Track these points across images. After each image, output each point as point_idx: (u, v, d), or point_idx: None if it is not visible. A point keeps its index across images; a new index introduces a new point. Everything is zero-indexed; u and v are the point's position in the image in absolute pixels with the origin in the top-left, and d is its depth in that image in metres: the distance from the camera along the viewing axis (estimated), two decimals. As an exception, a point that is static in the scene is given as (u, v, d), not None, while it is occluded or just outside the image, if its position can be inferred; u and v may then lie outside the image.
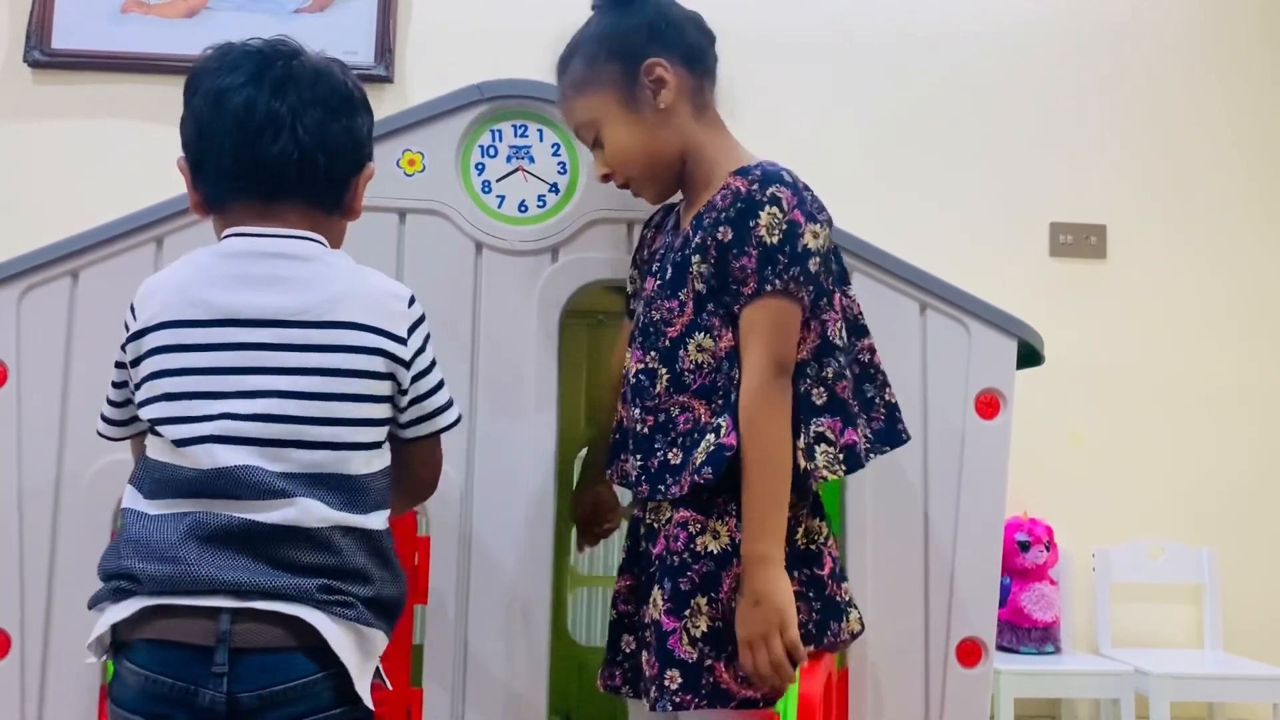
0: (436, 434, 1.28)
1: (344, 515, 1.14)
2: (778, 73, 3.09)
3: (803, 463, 1.29)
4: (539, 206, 1.62)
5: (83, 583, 1.44)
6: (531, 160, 1.62)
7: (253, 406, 1.13)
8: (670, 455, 1.32)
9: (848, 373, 1.36)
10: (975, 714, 1.59)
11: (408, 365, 1.21)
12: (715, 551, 1.29)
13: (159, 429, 1.15)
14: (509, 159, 1.62)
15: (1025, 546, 2.83)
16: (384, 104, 2.80)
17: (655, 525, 1.35)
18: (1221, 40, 3.25)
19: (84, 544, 1.50)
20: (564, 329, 1.62)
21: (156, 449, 1.16)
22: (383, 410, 1.20)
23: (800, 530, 1.32)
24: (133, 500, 1.15)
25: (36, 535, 1.52)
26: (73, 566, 1.51)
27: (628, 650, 1.41)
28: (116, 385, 1.25)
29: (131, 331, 1.19)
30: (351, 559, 1.14)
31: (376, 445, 1.20)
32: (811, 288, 1.31)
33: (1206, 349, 3.16)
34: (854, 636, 1.36)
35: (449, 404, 1.28)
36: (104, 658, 1.14)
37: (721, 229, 1.31)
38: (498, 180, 1.62)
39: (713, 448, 1.28)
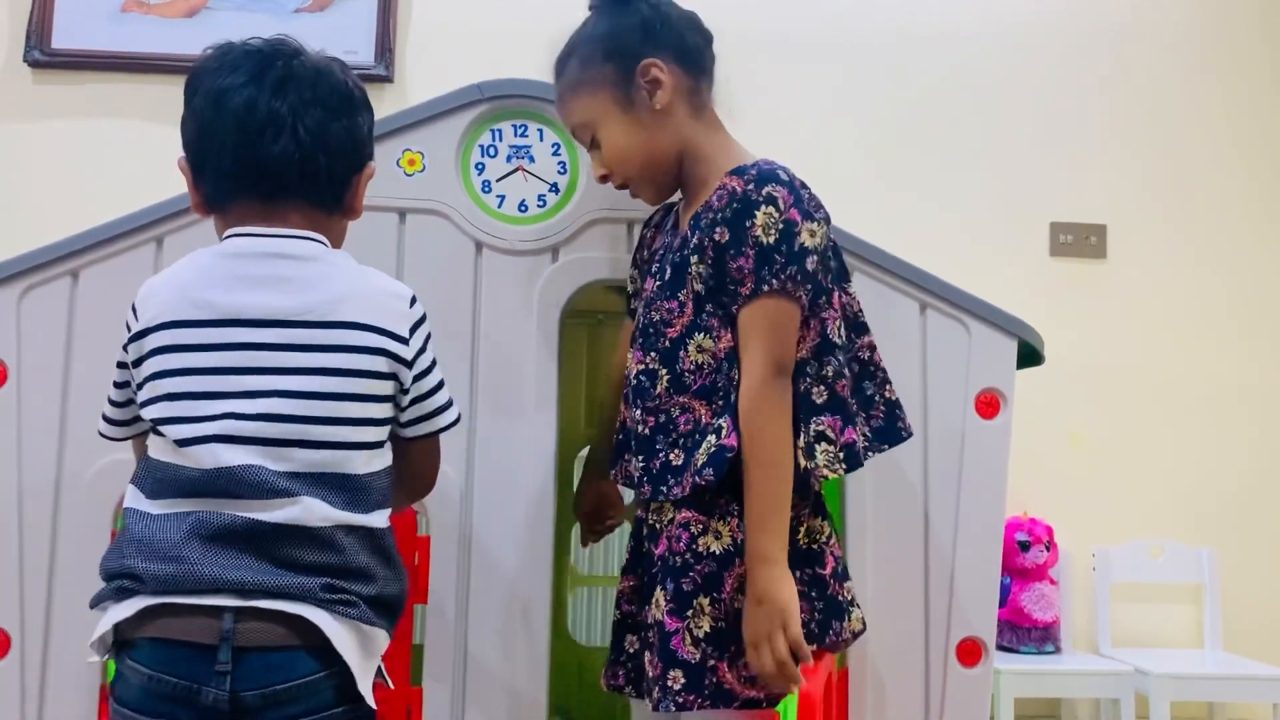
0: (436, 433, 1.28)
1: (346, 514, 1.14)
2: (778, 73, 3.09)
3: (803, 462, 1.29)
4: (539, 206, 1.62)
5: (83, 583, 1.45)
6: (531, 160, 1.62)
7: (256, 406, 1.13)
8: (672, 456, 1.32)
9: (847, 371, 1.36)
10: (975, 714, 1.59)
11: (410, 365, 1.21)
12: (717, 552, 1.29)
13: (161, 429, 1.15)
14: (509, 159, 1.62)
15: (1025, 546, 2.83)
16: (384, 104, 2.80)
17: (658, 526, 1.35)
18: (1221, 40, 3.25)
19: (84, 544, 1.50)
20: (564, 329, 1.62)
21: (158, 449, 1.16)
22: (385, 410, 1.21)
23: (802, 530, 1.32)
24: (135, 500, 1.15)
25: (36, 535, 1.52)
26: (73, 566, 1.51)
27: (631, 650, 1.41)
28: (118, 385, 1.25)
29: (133, 332, 1.19)
30: (354, 558, 1.14)
31: (379, 445, 1.21)
32: (809, 286, 1.31)
33: (1206, 349, 3.16)
34: (856, 636, 1.36)
35: (449, 404, 1.28)
36: (106, 657, 1.14)
37: (718, 229, 1.31)
38: (498, 180, 1.62)
39: (714, 449, 1.28)
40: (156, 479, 1.14)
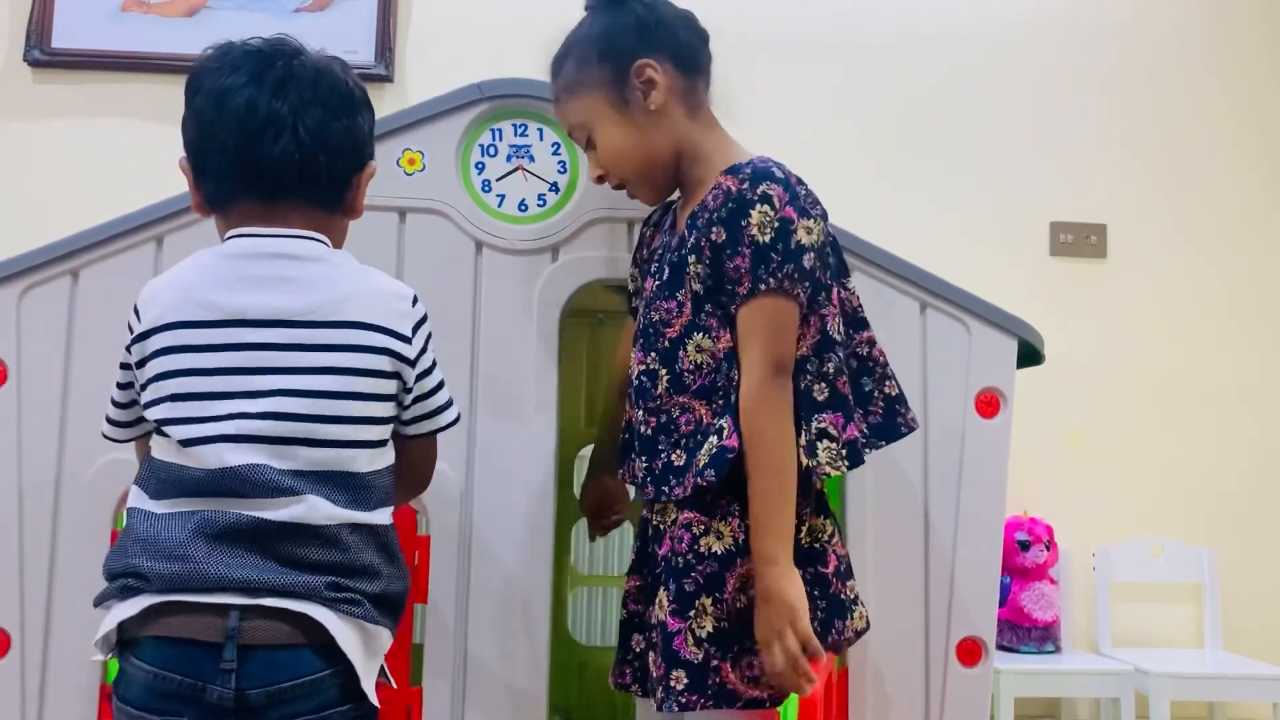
0: (436, 432, 1.29)
1: (351, 512, 1.14)
2: (778, 73, 3.09)
3: (804, 460, 1.28)
4: (539, 205, 1.62)
5: (83, 582, 1.45)
6: (531, 159, 1.62)
7: (262, 406, 1.14)
8: (674, 457, 1.32)
9: (846, 367, 1.36)
10: (975, 713, 1.59)
11: (413, 364, 1.22)
12: (719, 552, 1.29)
13: (166, 429, 1.15)
14: (509, 158, 1.62)
15: (1025, 546, 2.83)
16: (384, 103, 2.80)
17: (661, 526, 1.36)
18: (1222, 39, 3.26)
19: (84, 543, 1.50)
20: (564, 328, 1.62)
21: (162, 449, 1.16)
22: (388, 409, 1.21)
23: (804, 529, 1.31)
24: (138, 500, 1.15)
25: (37, 534, 1.52)
26: (73, 566, 1.51)
27: (637, 649, 1.41)
28: (121, 387, 1.25)
29: (136, 333, 1.19)
30: (359, 555, 1.14)
31: (382, 443, 1.21)
32: (807, 284, 1.30)
33: (1207, 348, 3.16)
34: (859, 635, 1.36)
35: (450, 403, 1.29)
36: (110, 656, 1.14)
37: (715, 229, 1.31)
38: (498, 179, 1.62)
39: (715, 449, 1.28)
40: (160, 479, 1.14)
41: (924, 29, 3.18)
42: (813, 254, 1.31)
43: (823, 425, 1.31)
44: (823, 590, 1.31)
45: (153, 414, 1.17)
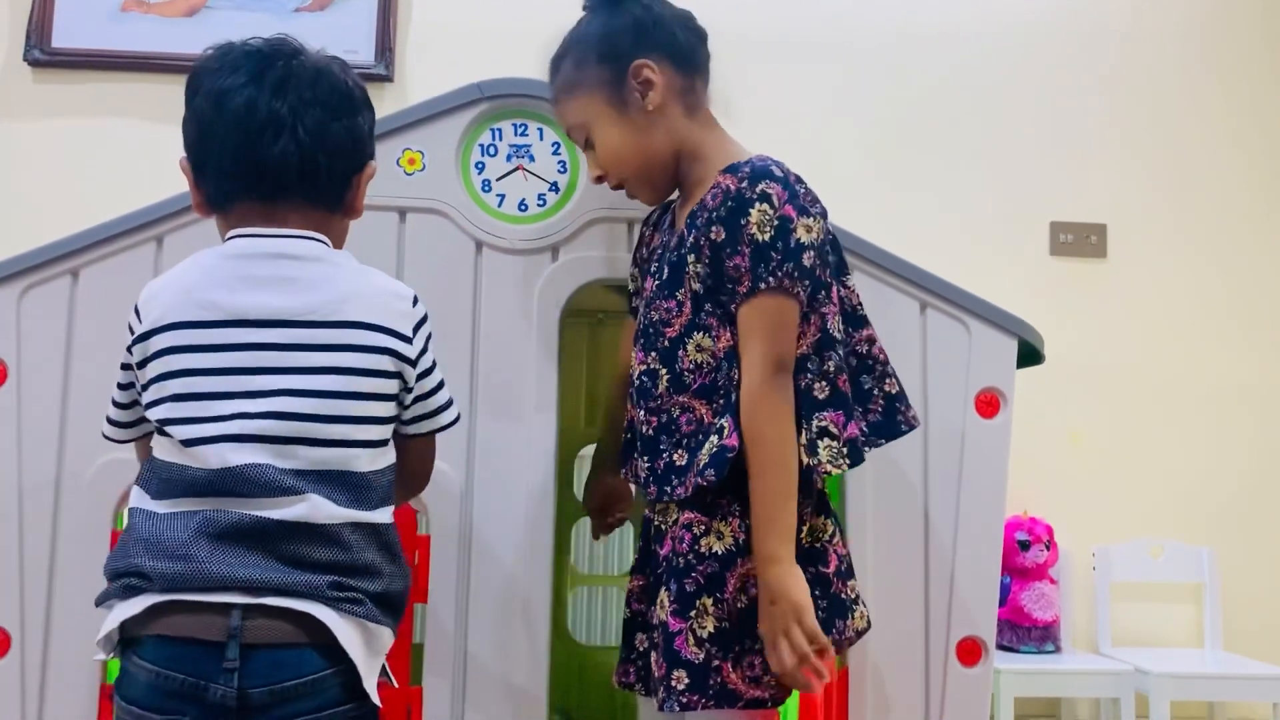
0: (436, 431, 1.29)
1: (352, 511, 1.15)
2: (778, 73, 3.09)
3: (805, 459, 1.28)
4: (539, 205, 1.62)
5: (83, 582, 1.45)
6: (531, 159, 1.62)
7: (264, 405, 1.14)
8: (676, 457, 1.32)
9: (846, 365, 1.35)
10: (975, 713, 1.59)
11: (413, 364, 1.22)
12: (719, 552, 1.29)
13: (168, 429, 1.15)
14: (509, 158, 1.62)
15: (1025, 545, 2.83)
16: (384, 103, 2.80)
17: (663, 526, 1.36)
18: (1222, 40, 3.25)
19: (84, 543, 1.50)
20: (564, 328, 1.62)
21: (164, 449, 1.16)
22: (389, 408, 1.21)
23: (805, 528, 1.31)
24: (140, 500, 1.16)
25: (37, 534, 1.51)
26: (73, 565, 1.51)
27: (641, 648, 1.41)
28: (122, 387, 1.25)
29: (137, 334, 1.19)
30: (361, 554, 1.14)
31: (383, 443, 1.21)
32: (807, 282, 1.30)
33: (1207, 348, 3.16)
34: (860, 634, 1.36)
35: (450, 403, 1.29)
36: (111, 655, 1.14)
37: (714, 228, 1.31)
38: (498, 179, 1.62)
39: (715, 449, 1.28)
40: (162, 479, 1.14)
41: (924, 29, 3.18)
42: (812, 252, 1.31)
43: (823, 424, 1.30)
44: (824, 590, 1.31)
45: (154, 414, 1.17)
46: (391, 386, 1.20)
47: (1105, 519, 3.06)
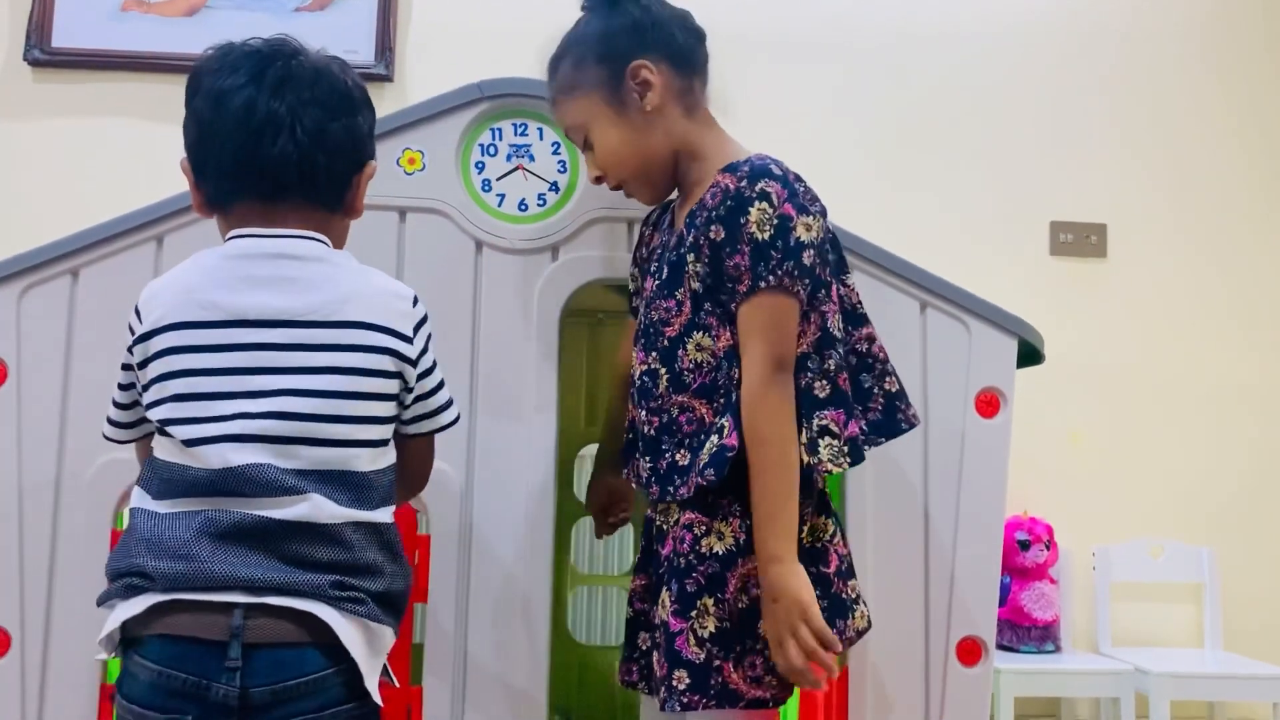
0: (436, 431, 1.29)
1: (354, 511, 1.15)
2: (778, 73, 3.09)
3: (805, 457, 1.28)
4: (539, 205, 1.62)
5: (83, 581, 1.45)
6: (531, 159, 1.62)
7: (265, 405, 1.14)
8: (678, 456, 1.32)
9: (845, 364, 1.35)
10: (975, 713, 1.59)
11: (414, 363, 1.22)
12: (720, 553, 1.29)
13: (169, 429, 1.15)
14: (509, 157, 1.62)
15: (1025, 545, 2.83)
16: (384, 102, 2.80)
17: (664, 526, 1.36)
18: (1222, 39, 3.26)
19: (84, 543, 1.50)
20: (564, 327, 1.62)
21: (165, 450, 1.16)
22: (389, 408, 1.21)
23: (805, 528, 1.31)
24: (141, 500, 1.16)
25: (37, 534, 1.51)
26: (73, 565, 1.51)
27: (644, 647, 1.41)
28: (122, 388, 1.25)
29: (138, 334, 1.19)
30: (363, 554, 1.15)
31: (384, 443, 1.21)
32: (807, 281, 1.30)
33: (1207, 348, 3.16)
34: (860, 634, 1.36)
35: (450, 403, 1.29)
36: (113, 655, 1.14)
37: (713, 228, 1.31)
38: (498, 179, 1.62)
39: (715, 449, 1.28)
40: (163, 479, 1.14)
41: (924, 29, 3.18)
42: (812, 251, 1.31)
43: (824, 422, 1.30)
44: (824, 590, 1.31)
45: (155, 414, 1.17)
46: (392, 386, 1.20)
47: (1105, 519, 3.06)
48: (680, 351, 1.33)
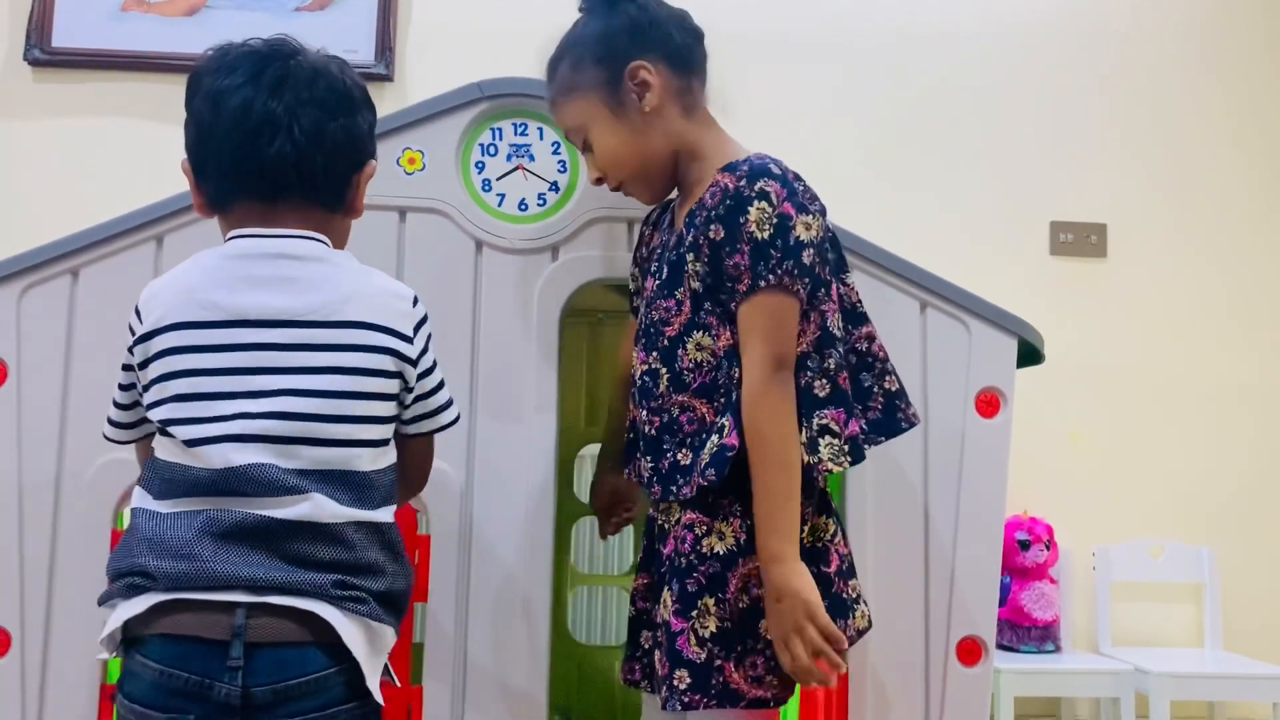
0: (435, 431, 1.29)
1: (355, 510, 1.15)
2: (778, 73, 3.09)
3: (806, 457, 1.28)
4: (539, 205, 1.62)
5: (83, 581, 1.45)
6: (531, 158, 1.62)
7: (266, 405, 1.14)
8: (679, 456, 1.32)
9: (845, 363, 1.35)
10: (975, 713, 1.59)
11: (414, 363, 1.22)
12: (721, 553, 1.29)
13: (171, 429, 1.15)
14: (509, 157, 1.62)
15: (1025, 545, 2.83)
16: (384, 102, 2.79)
17: (666, 526, 1.36)
18: (1222, 39, 3.26)
19: (85, 542, 1.50)
20: (564, 327, 1.62)
21: (166, 450, 1.16)
22: (390, 408, 1.21)
23: (807, 527, 1.31)
24: (142, 500, 1.16)
25: (37, 533, 1.51)
26: (73, 564, 1.51)
27: (646, 646, 1.42)
28: (123, 388, 1.25)
29: (139, 335, 1.19)
30: (365, 553, 1.15)
31: (384, 442, 1.21)
32: (807, 280, 1.30)
33: (1207, 348, 3.16)
34: (861, 634, 1.36)
35: (449, 403, 1.29)
36: (114, 654, 1.14)
37: (713, 227, 1.31)
38: (498, 178, 1.62)
39: (715, 449, 1.28)
40: (164, 480, 1.14)
41: (924, 29, 3.18)
42: (811, 250, 1.31)
43: (824, 421, 1.30)
44: (825, 589, 1.31)
45: (156, 414, 1.17)
46: (392, 386, 1.21)
47: (1105, 519, 3.06)
48: (680, 351, 1.33)
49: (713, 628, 1.27)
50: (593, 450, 1.66)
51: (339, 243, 1.27)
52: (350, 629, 1.11)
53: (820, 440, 1.30)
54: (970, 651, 1.59)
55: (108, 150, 2.96)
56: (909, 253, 1.64)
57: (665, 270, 1.37)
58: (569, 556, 2.22)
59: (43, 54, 2.98)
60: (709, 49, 1.46)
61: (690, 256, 1.34)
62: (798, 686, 1.33)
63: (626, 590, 1.49)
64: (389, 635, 1.17)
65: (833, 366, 1.32)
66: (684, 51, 1.42)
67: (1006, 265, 3.08)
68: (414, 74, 3.04)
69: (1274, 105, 3.24)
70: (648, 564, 1.44)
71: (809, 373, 1.31)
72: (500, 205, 1.61)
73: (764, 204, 1.29)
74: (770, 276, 1.28)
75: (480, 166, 1.62)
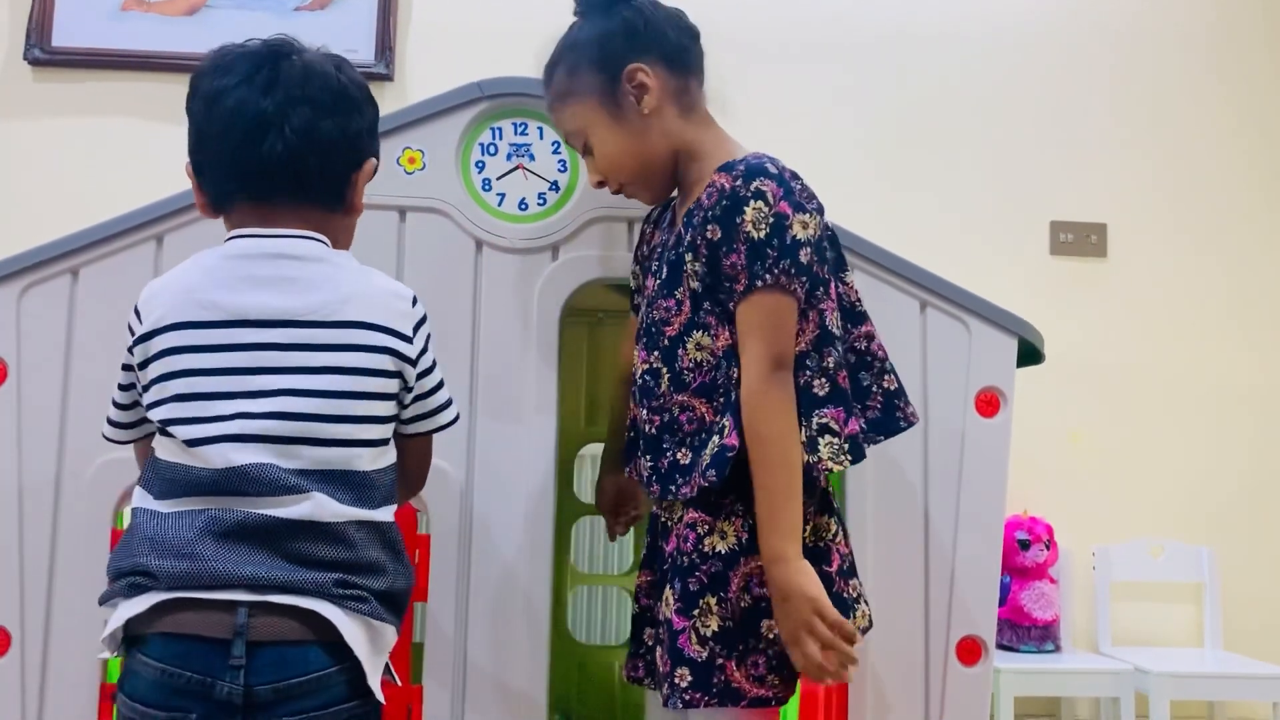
0: (435, 431, 1.29)
1: (356, 510, 1.15)
2: (778, 73, 3.09)
3: (805, 456, 1.28)
4: (539, 204, 1.62)
5: (83, 580, 1.45)
6: (532, 158, 1.62)
7: (266, 405, 1.14)
8: (680, 455, 1.32)
9: (844, 362, 1.35)
10: (975, 713, 1.59)
11: (414, 363, 1.22)
12: (723, 551, 1.29)
13: (171, 429, 1.15)
14: (509, 157, 1.62)
15: (1025, 545, 2.83)
16: (384, 102, 2.76)
17: (669, 524, 1.36)
18: (1222, 39, 3.26)
19: (85, 542, 1.50)
20: (564, 327, 1.62)
21: (166, 450, 1.16)
22: (390, 408, 1.22)
23: (808, 527, 1.31)
24: (143, 500, 1.16)
25: (37, 533, 1.51)
26: (73, 564, 1.51)
27: (649, 643, 1.42)
28: (123, 388, 1.25)
29: (138, 334, 1.19)
30: (366, 552, 1.15)
31: (384, 442, 1.22)
32: (804, 279, 1.30)
33: (1207, 348, 3.16)
34: (862, 633, 1.36)
35: (449, 402, 1.29)
36: (115, 653, 1.14)
37: (710, 227, 1.31)
38: (498, 178, 1.62)
39: (716, 449, 1.28)
40: (165, 480, 1.15)
41: (924, 29, 3.18)
42: (809, 249, 1.30)
43: (824, 420, 1.30)
44: (826, 588, 1.30)
45: (156, 414, 1.17)
46: (392, 386, 1.21)
47: (1105, 519, 3.06)
48: (680, 351, 1.33)
49: (714, 626, 1.28)
50: (593, 450, 1.66)
51: (341, 242, 1.27)
52: (352, 628, 1.11)
53: (820, 439, 1.30)
54: (970, 651, 1.59)
55: (108, 150, 2.96)
56: (909, 252, 1.64)
57: (665, 270, 1.37)
58: (569, 556, 2.22)
59: (43, 54, 2.98)
60: (707, 48, 1.45)
61: (689, 257, 1.33)
62: (798, 687, 1.33)
63: (627, 590, 1.49)
64: (390, 634, 1.17)
65: (832, 365, 1.32)
66: (681, 51, 1.42)
67: (1006, 265, 3.08)
68: (414, 74, 3.04)
69: (1274, 105, 3.24)
70: (651, 561, 1.44)
71: (808, 371, 1.31)
72: (500, 205, 1.61)
73: (760, 203, 1.29)
74: (767, 276, 1.28)
75: (480, 166, 1.62)
